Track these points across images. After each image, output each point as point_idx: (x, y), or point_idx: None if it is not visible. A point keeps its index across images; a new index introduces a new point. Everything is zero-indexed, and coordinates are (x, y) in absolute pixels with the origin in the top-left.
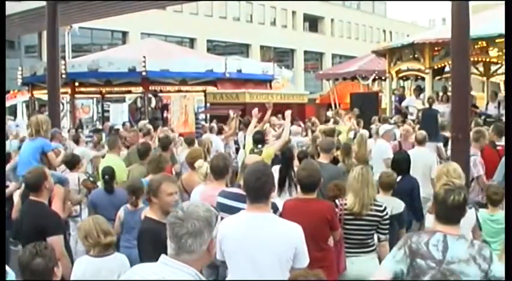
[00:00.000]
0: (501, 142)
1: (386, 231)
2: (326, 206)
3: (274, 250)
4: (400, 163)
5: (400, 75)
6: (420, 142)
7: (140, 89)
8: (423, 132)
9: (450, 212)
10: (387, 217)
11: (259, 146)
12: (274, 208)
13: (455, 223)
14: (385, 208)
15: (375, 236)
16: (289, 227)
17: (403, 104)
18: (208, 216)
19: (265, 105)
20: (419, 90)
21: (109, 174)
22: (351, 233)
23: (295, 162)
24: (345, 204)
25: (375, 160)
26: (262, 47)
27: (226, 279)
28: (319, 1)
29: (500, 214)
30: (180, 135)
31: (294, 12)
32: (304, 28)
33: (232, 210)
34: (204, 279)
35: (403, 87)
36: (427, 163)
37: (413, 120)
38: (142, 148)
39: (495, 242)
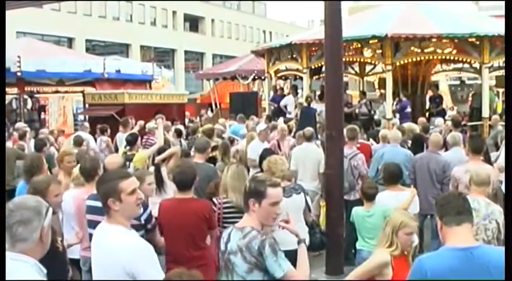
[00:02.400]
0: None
1: None
2: (203, 205)
3: (105, 266)
4: None
5: (278, 74)
6: (308, 138)
7: (15, 90)
8: (311, 129)
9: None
10: None
11: (130, 148)
12: None
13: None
14: None
15: None
16: (120, 247)
17: (282, 103)
18: (38, 205)
19: (145, 106)
20: (295, 89)
21: None
22: None
23: None
24: (224, 202)
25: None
26: (142, 47)
27: None
28: (200, 1)
29: (374, 209)
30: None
31: (174, 12)
32: (185, 28)
33: (102, 211)
34: (44, 269)
35: (282, 88)
36: (315, 158)
37: (290, 119)
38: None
39: (373, 238)
